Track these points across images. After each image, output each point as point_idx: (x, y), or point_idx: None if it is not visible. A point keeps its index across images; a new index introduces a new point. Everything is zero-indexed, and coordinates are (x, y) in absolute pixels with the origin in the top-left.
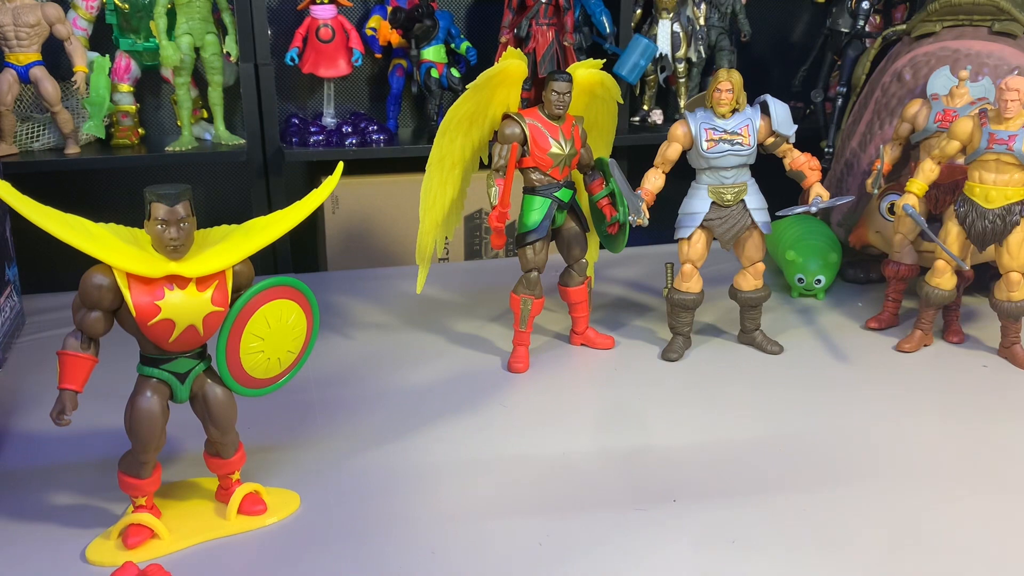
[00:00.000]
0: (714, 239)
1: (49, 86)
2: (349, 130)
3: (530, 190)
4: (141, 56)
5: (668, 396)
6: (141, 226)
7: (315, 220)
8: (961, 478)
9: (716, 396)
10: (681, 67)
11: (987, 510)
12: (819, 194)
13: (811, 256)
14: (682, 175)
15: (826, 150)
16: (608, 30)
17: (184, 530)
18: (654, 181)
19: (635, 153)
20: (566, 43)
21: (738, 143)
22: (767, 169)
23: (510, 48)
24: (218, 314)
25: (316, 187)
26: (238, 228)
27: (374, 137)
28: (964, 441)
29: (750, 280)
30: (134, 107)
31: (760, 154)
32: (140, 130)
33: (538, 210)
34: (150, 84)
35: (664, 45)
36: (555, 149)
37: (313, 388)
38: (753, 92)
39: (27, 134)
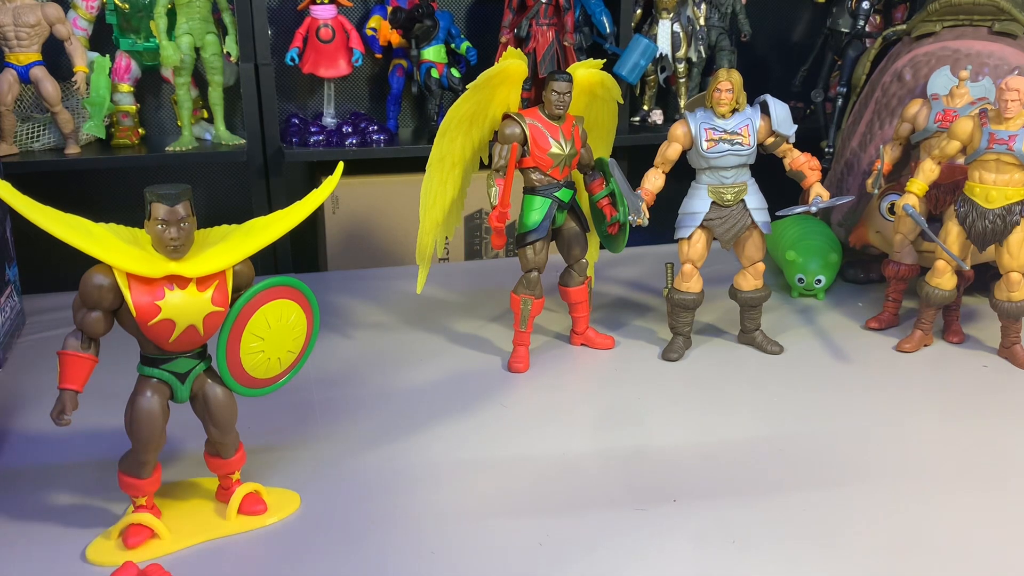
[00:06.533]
0: (714, 239)
1: (49, 86)
2: (349, 130)
3: (530, 190)
4: (141, 56)
5: (668, 396)
6: (141, 226)
7: (315, 220)
8: (961, 478)
9: (716, 396)
10: (681, 67)
11: (987, 510)
12: (819, 194)
13: (811, 256)
14: (682, 175)
15: (826, 150)
16: (608, 30)
17: (184, 530)
18: (654, 181)
19: (635, 153)
20: (566, 43)
21: (738, 143)
22: (767, 169)
23: (510, 48)
24: (218, 314)
25: (316, 187)
26: (238, 228)
27: (374, 137)
28: (964, 441)
29: (750, 280)
30: (134, 107)
31: (760, 154)
32: (140, 130)
33: (538, 210)
34: (150, 84)
35: (664, 45)
36: (555, 149)
37: (313, 388)
38: (753, 92)
39: (27, 134)
